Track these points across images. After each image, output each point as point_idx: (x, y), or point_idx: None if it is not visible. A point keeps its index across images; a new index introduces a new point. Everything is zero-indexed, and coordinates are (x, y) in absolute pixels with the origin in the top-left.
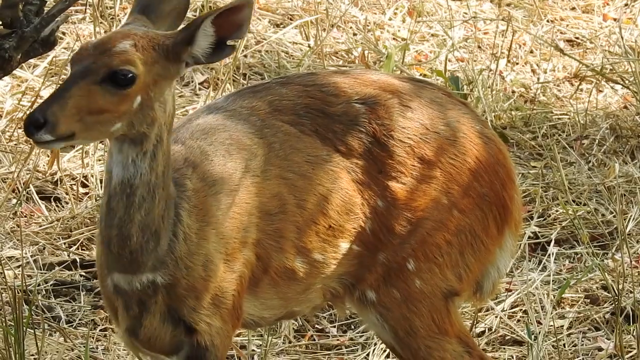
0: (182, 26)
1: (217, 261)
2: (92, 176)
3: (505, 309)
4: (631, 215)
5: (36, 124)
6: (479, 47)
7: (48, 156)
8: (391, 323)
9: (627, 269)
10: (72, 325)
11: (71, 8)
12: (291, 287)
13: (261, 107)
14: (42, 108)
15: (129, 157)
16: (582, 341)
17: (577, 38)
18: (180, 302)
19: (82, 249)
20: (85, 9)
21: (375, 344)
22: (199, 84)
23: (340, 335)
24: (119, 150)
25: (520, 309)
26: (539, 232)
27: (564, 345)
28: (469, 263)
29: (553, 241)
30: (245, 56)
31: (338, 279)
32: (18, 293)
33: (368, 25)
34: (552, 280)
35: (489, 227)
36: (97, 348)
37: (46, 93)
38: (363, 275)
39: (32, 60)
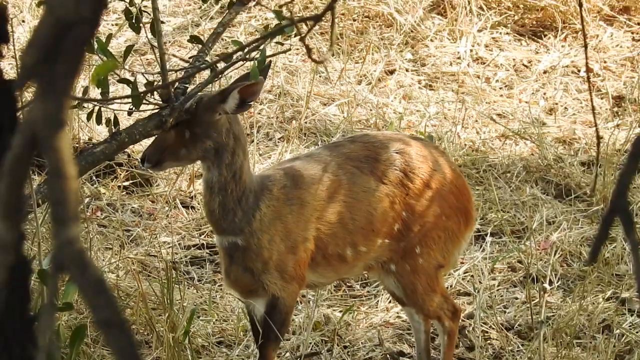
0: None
1: (279, 244)
2: None
3: (460, 274)
4: (535, 219)
5: (141, 160)
6: (445, 117)
7: (187, 181)
8: (402, 285)
9: (533, 251)
10: (201, 282)
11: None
12: (342, 266)
13: (338, 156)
14: (145, 151)
15: (207, 167)
16: (506, 294)
17: (501, 114)
18: (252, 262)
19: (207, 237)
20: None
21: (383, 295)
22: (278, 139)
23: (362, 288)
24: (203, 164)
25: (469, 274)
26: (480, 228)
27: (495, 296)
28: (449, 248)
29: (489, 234)
30: (305, 122)
31: (375, 259)
32: (169, 264)
33: (378, 105)
34: (488, 257)
35: (460, 227)
36: (216, 297)
37: None
38: (390, 256)
39: None
